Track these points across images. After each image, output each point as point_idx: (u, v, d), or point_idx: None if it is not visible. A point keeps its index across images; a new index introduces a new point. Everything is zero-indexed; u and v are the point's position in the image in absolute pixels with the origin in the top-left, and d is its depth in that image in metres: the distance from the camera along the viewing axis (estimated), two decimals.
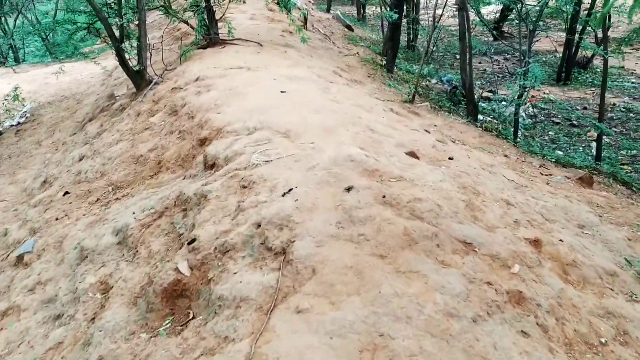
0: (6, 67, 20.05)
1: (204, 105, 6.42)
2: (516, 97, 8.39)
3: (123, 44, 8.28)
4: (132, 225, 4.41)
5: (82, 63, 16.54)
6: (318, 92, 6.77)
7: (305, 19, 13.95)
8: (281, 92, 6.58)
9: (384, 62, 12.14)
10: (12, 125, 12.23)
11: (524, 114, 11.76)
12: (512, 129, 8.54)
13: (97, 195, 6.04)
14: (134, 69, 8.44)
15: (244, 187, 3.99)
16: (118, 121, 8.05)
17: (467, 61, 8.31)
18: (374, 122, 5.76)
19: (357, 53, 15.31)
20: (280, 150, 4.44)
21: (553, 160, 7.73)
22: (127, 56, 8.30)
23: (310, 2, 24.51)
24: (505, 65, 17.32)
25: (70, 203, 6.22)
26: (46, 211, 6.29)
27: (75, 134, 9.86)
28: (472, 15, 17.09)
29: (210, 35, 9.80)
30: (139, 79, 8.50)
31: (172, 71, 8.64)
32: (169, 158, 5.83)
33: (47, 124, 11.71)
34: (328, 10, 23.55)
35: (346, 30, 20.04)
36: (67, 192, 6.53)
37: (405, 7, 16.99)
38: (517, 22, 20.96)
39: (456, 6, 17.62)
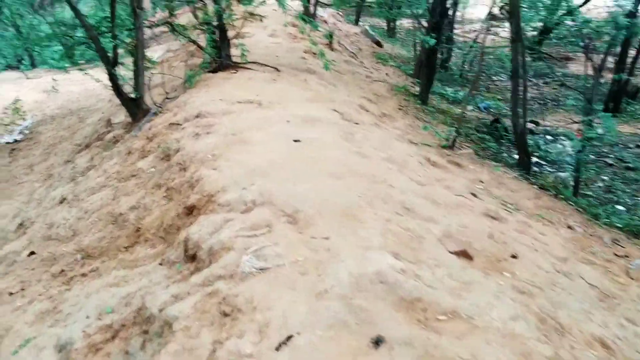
0: (20, 70, 19.17)
1: (200, 154, 5.24)
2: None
3: (117, 67, 7.16)
4: (77, 345, 3.23)
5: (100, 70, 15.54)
6: (339, 141, 5.54)
7: (331, 37, 12.76)
8: (294, 141, 5.38)
9: (418, 91, 10.85)
10: (8, 143, 11.25)
11: (571, 151, 10.37)
12: (571, 184, 7.19)
13: (63, 265, 4.88)
14: (129, 96, 7.33)
15: (225, 315, 2.78)
16: (108, 158, 6.94)
17: (521, 102, 6.98)
18: (410, 193, 4.51)
19: (387, 76, 14.08)
20: (281, 249, 3.22)
21: (620, 226, 6.38)
22: (123, 80, 7.18)
23: (339, 13, 23.35)
24: (546, 91, 15.93)
25: (33, 269, 5.08)
26: (4, 277, 5.16)
27: (68, 161, 8.80)
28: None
29: (221, 58, 8.66)
30: (135, 109, 7.40)
31: (174, 100, 7.50)
32: (150, 225, 4.65)
33: (45, 144, 10.70)
34: (357, 22, 22.32)
35: (375, 46, 18.82)
36: (32, 253, 5.41)
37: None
38: (559, 42, 19.49)
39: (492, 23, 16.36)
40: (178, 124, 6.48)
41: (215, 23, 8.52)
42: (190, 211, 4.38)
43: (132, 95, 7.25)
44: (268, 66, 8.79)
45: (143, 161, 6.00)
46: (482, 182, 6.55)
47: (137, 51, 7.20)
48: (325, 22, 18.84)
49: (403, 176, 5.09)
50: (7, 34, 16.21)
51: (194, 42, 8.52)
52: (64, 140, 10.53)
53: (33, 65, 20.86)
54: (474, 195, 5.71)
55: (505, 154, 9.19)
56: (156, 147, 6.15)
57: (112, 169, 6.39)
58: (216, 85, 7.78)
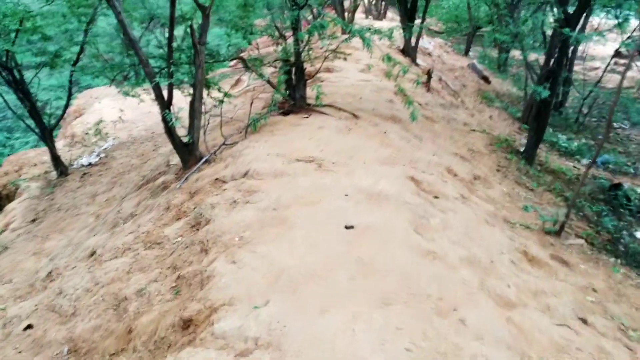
0: (123, 87, 19.59)
1: (227, 235, 4.23)
2: None
3: (171, 109, 6.38)
4: None
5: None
6: (406, 232, 4.29)
7: (429, 75, 11.46)
8: (346, 227, 4.21)
9: (522, 146, 9.25)
10: (83, 166, 11.01)
11: None
12: None
13: (47, 356, 4.05)
14: (182, 141, 6.53)
15: None
16: (149, 208, 6.16)
17: None
18: (489, 337, 3.16)
19: (490, 119, 12.51)
20: None
21: None
22: (176, 123, 6.38)
23: (446, 43, 21.86)
24: None
25: (20, 353, 4.30)
26: None
27: (125, 197, 8.21)
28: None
29: (294, 99, 7.69)
30: (187, 155, 6.58)
31: (231, 148, 6.60)
32: (144, 330, 3.66)
33: (115, 171, 10.29)
34: (466, 53, 20.68)
35: (481, 82, 17.20)
36: (29, 326, 4.65)
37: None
38: None
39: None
40: (223, 182, 5.55)
41: (293, 59, 7.58)
42: (187, 326, 3.34)
43: (185, 140, 6.44)
44: (346, 111, 7.69)
45: (173, 226, 5.09)
46: (595, 291, 4.98)
47: (194, 91, 6.39)
48: (429, 54, 17.52)
49: (484, 297, 3.73)
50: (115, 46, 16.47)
51: (268, 82, 7.61)
52: (133, 169, 10.08)
53: (137, 82, 21.45)
54: (584, 321, 4.21)
55: (627, 237, 7.38)
56: (191, 209, 5.23)
57: (144, 227, 5.56)
58: (281, 132, 6.80)
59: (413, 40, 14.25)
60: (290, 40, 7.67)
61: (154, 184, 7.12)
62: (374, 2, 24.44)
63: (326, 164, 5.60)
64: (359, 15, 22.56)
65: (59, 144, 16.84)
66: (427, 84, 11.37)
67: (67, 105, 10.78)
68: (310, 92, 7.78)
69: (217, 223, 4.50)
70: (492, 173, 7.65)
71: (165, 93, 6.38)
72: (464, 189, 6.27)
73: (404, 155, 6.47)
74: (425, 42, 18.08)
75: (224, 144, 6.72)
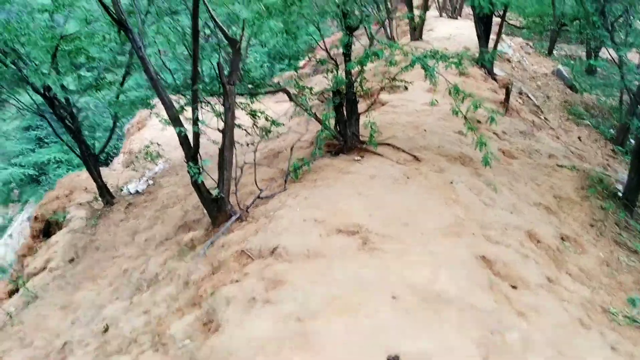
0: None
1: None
2: None
3: (198, 158, 5.51)
4: None
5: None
6: None
7: (508, 93, 10.05)
8: (389, 359, 3.13)
9: (619, 182, 7.70)
10: (130, 193, 10.47)
11: None
12: None
13: None
14: (210, 194, 5.64)
15: None
16: (170, 276, 5.33)
17: None
18: None
19: (579, 142, 10.89)
20: None
21: None
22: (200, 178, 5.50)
23: (527, 44, 19.93)
24: None
25: None
26: None
27: (160, 244, 7.49)
28: None
29: (345, 137, 6.64)
30: (215, 211, 5.69)
31: (268, 201, 5.66)
32: None
33: (159, 203, 9.64)
34: (550, 53, 18.60)
35: (568, 91, 15.38)
36: None
37: None
38: None
39: None
40: (249, 256, 4.60)
41: (344, 90, 6.53)
42: None
43: (213, 194, 5.54)
44: (405, 152, 6.55)
45: (183, 320, 4.20)
46: None
47: (224, 139, 5.48)
48: (509, 60, 15.87)
49: None
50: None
51: (314, 116, 6.60)
52: (178, 201, 9.37)
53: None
54: None
55: None
56: (208, 294, 4.32)
57: (158, 308, 4.72)
58: (325, 183, 5.77)
59: (490, 49, 12.74)
60: (342, 68, 6.62)
61: (183, 238, 6.30)
62: None
63: (373, 239, 4.51)
64: (432, 14, 20.94)
65: (118, 159, 16.70)
66: (504, 104, 9.96)
67: (112, 131, 10.23)
68: (365, 127, 6.69)
69: (226, 335, 3.54)
70: (585, 229, 6.25)
71: (191, 137, 5.51)
72: (551, 264, 4.98)
73: (474, 216, 5.27)
74: (504, 46, 16.39)
75: (258, 196, 5.78)
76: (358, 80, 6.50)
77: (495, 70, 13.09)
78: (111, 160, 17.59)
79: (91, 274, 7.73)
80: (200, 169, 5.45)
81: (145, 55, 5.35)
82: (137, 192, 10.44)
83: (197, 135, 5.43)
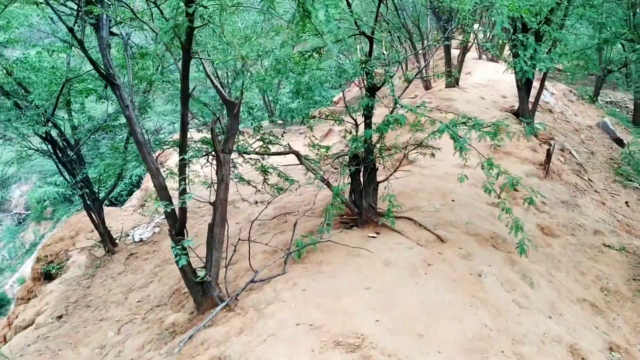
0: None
1: None
2: None
3: (184, 233, 4.78)
4: None
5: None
6: None
7: (549, 155, 9.11)
8: None
9: None
10: (134, 242, 9.83)
11: None
12: None
13: None
14: (194, 277, 4.87)
15: None
16: None
17: None
18: None
19: (627, 208, 9.83)
20: None
21: None
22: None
23: (570, 90, 18.81)
24: None
25: None
26: None
27: (151, 310, 6.78)
28: None
29: (360, 208, 5.83)
30: (200, 296, 4.91)
31: (262, 288, 4.86)
32: None
33: (161, 257, 8.96)
34: (594, 99, 17.39)
35: (614, 145, 14.27)
36: None
37: None
38: None
39: None
40: None
41: (360, 155, 5.76)
42: None
43: (198, 277, 4.77)
44: (427, 230, 5.69)
45: None
46: None
47: (214, 213, 4.73)
48: (550, 110, 14.88)
49: None
50: None
51: (326, 182, 5.83)
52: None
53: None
54: None
55: None
56: None
57: None
58: (330, 268, 4.94)
59: (531, 104, 11.81)
60: (362, 128, 5.87)
61: (166, 319, 5.54)
62: (489, 37, 21.43)
63: (378, 358, 3.65)
64: (471, 55, 20.04)
65: (137, 194, 16.15)
66: (545, 166, 9.01)
67: (119, 177, 9.62)
68: (383, 200, 5.87)
69: None
70: (638, 335, 5.24)
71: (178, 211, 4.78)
72: None
73: (504, 325, 4.35)
74: (546, 94, 15.40)
75: (252, 281, 4.98)
76: (378, 146, 5.72)
77: (536, 122, 12.12)
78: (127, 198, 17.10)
79: (74, 338, 7.05)
80: (186, 247, 4.70)
81: (133, 114, 4.68)
82: (141, 240, 9.78)
83: (183, 210, 4.70)
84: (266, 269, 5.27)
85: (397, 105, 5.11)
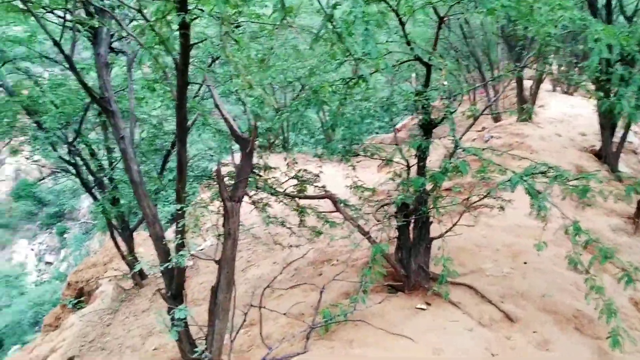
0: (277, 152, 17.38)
1: None
2: None
3: (183, 297, 3.87)
4: None
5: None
6: None
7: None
8: None
9: None
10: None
11: None
12: None
13: None
14: (193, 351, 3.92)
15: None
16: None
17: None
18: None
19: None
20: None
21: None
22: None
23: None
24: None
25: None
26: None
27: None
28: None
29: (408, 269, 4.74)
30: None
31: None
32: None
33: (189, 295, 8.09)
34: None
35: None
36: None
37: None
38: None
39: None
40: None
41: (411, 206, 4.69)
42: None
43: (195, 354, 3.81)
44: (490, 302, 4.52)
45: None
46: None
47: (219, 275, 3.79)
48: (635, 152, 13.15)
49: None
50: None
51: (369, 238, 4.78)
52: (204, 301, 7.80)
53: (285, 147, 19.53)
54: None
55: None
56: None
57: None
58: (362, 353, 3.87)
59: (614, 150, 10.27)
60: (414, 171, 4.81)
61: None
62: (574, 67, 19.75)
63: None
64: (544, 86, 18.45)
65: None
66: (635, 220, 7.56)
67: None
68: (435, 264, 4.75)
69: None
70: None
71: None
72: None
73: None
74: (630, 134, 13.66)
75: (268, 356, 3.98)
76: (432, 194, 4.63)
77: (620, 166, 10.55)
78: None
79: None
80: (182, 314, 3.76)
81: (130, 148, 3.85)
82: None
83: (181, 270, 3.79)
84: (286, 342, 4.27)
85: (458, 147, 4.04)
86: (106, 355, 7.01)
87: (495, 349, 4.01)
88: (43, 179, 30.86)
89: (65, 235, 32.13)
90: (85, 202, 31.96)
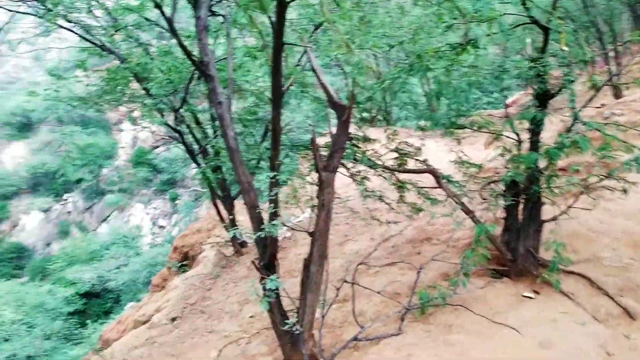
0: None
1: None
2: None
3: (276, 269, 3.80)
4: None
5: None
6: None
7: None
8: None
9: None
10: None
11: None
12: None
13: None
14: (284, 322, 3.86)
15: None
16: None
17: None
18: None
19: None
20: None
21: None
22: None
23: None
24: None
25: None
26: None
27: (255, 335, 6.02)
28: None
29: (515, 252, 4.35)
30: (289, 348, 3.89)
31: (367, 350, 3.71)
32: None
33: (286, 266, 8.15)
34: None
35: None
36: None
37: None
38: None
39: None
40: None
41: (521, 184, 4.29)
42: None
43: (287, 326, 3.74)
44: (607, 295, 4.04)
45: None
46: None
47: (312, 247, 3.67)
48: None
49: None
50: None
51: (472, 217, 4.44)
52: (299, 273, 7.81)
53: (387, 121, 19.16)
54: None
55: None
56: None
57: None
58: (460, 340, 3.60)
59: None
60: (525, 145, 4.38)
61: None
62: None
63: None
64: None
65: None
66: None
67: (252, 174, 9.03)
68: (546, 249, 4.32)
69: None
70: None
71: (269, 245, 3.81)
72: None
73: None
74: None
75: (355, 338, 3.83)
76: (546, 173, 4.19)
77: None
78: None
79: (178, 349, 6.54)
80: (274, 285, 3.69)
81: (227, 114, 3.80)
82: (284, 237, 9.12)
83: (274, 240, 3.71)
84: (379, 322, 4.09)
85: (577, 121, 3.58)
86: (206, 318, 7.24)
87: (611, 348, 3.57)
88: (157, 147, 32.75)
89: (177, 202, 34.04)
90: (194, 171, 33.65)
